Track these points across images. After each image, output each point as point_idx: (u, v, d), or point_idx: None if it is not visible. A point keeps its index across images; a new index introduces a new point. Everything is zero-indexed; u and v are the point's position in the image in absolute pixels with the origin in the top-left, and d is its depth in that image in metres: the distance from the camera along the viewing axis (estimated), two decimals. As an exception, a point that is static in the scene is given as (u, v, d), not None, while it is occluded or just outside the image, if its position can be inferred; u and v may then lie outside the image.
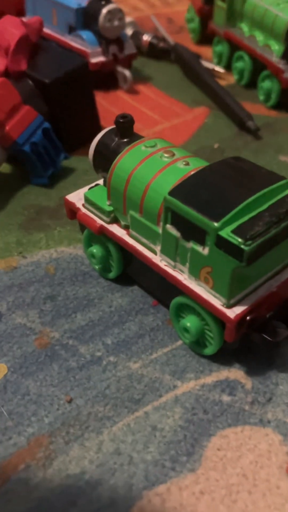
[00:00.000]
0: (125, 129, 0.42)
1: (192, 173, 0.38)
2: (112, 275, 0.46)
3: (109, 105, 0.73)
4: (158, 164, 0.40)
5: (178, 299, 0.40)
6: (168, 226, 0.38)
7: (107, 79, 0.76)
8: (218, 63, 0.84)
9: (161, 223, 0.38)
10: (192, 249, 0.37)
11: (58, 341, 0.41)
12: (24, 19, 0.75)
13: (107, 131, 0.44)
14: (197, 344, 0.40)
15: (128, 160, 0.41)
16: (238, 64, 0.79)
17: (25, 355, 0.40)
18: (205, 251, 0.36)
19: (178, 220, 0.37)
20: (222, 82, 0.79)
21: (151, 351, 0.41)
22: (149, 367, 0.40)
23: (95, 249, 0.45)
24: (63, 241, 0.51)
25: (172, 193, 0.37)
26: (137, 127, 0.68)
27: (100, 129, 0.65)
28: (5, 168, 0.60)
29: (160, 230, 0.39)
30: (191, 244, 0.37)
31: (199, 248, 0.36)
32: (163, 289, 0.42)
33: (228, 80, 0.80)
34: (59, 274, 0.47)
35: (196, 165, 0.40)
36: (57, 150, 0.58)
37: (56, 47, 0.62)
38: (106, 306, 0.44)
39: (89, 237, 0.46)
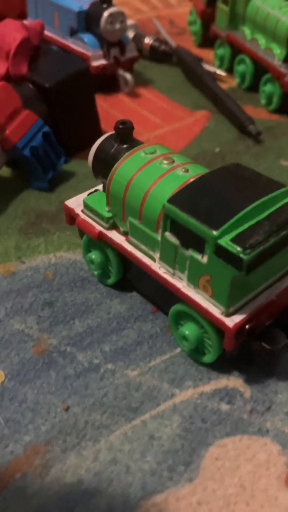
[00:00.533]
0: (125, 135, 0.42)
1: (191, 180, 0.38)
2: (111, 281, 0.46)
3: (110, 108, 0.73)
4: (157, 171, 0.40)
5: (177, 307, 0.40)
6: (167, 233, 0.38)
7: (108, 82, 0.76)
8: (220, 66, 0.84)
9: (160, 230, 0.38)
10: (191, 257, 0.36)
11: (55, 348, 0.41)
12: (25, 21, 0.75)
13: (106, 136, 0.43)
14: (196, 351, 0.40)
15: (127, 167, 0.40)
16: (240, 68, 0.78)
17: (23, 362, 0.40)
18: (204, 259, 0.36)
19: (177, 227, 0.37)
20: (224, 86, 0.79)
21: (149, 359, 0.41)
22: (147, 375, 0.40)
23: (94, 255, 0.45)
24: (62, 246, 0.50)
25: (171, 200, 0.36)
26: (137, 131, 0.68)
27: (100, 132, 0.65)
28: (5, 171, 0.59)
29: (159, 237, 0.39)
30: (190, 252, 0.36)
31: (198, 256, 0.36)
32: (162, 296, 0.42)
33: (229, 83, 0.80)
34: (58, 280, 0.47)
35: (195, 172, 0.39)
36: (58, 154, 0.58)
37: (57, 50, 0.62)
38: (105, 312, 0.44)
39: (88, 243, 0.46)
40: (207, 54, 0.88)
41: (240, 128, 0.68)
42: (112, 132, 0.43)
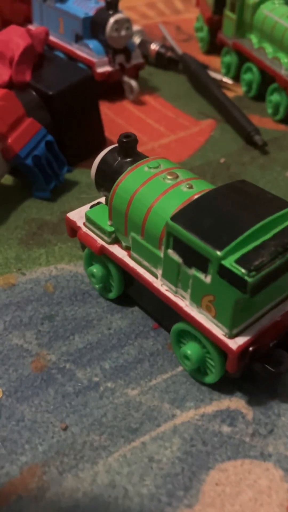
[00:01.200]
0: (128, 148, 0.41)
1: (195, 196, 0.37)
2: (112, 295, 0.45)
3: (114, 116, 0.72)
4: (161, 186, 0.39)
5: (179, 325, 0.39)
6: (170, 251, 0.37)
7: (113, 89, 0.75)
8: (226, 74, 0.83)
9: (163, 247, 0.37)
10: (194, 276, 0.36)
11: (54, 365, 0.40)
12: (31, 27, 0.74)
13: (110, 150, 0.43)
14: (198, 371, 0.39)
15: (130, 181, 0.40)
16: (247, 76, 0.77)
17: (21, 379, 0.39)
18: (208, 279, 0.35)
19: (180, 245, 0.36)
20: (230, 94, 0.78)
21: (150, 377, 0.40)
22: (147, 394, 0.39)
23: (96, 269, 0.44)
24: (64, 258, 0.50)
25: (174, 218, 0.36)
26: (142, 140, 0.67)
27: (104, 141, 0.64)
28: (7, 180, 0.59)
29: (161, 254, 0.38)
30: (193, 271, 0.36)
31: (201, 276, 0.35)
32: (164, 312, 0.41)
33: (236, 91, 0.79)
34: (58, 293, 0.46)
35: (199, 188, 0.39)
36: (60, 163, 0.57)
37: (61, 58, 0.61)
38: (105, 328, 0.43)
39: (90, 256, 0.45)
40: (214, 61, 0.87)
41: (246, 138, 0.67)
42: (116, 144, 0.43)
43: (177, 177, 0.39)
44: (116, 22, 0.69)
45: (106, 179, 0.42)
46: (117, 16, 0.69)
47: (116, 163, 0.42)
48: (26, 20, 0.82)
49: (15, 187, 0.58)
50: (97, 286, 0.45)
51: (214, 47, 0.88)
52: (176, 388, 0.39)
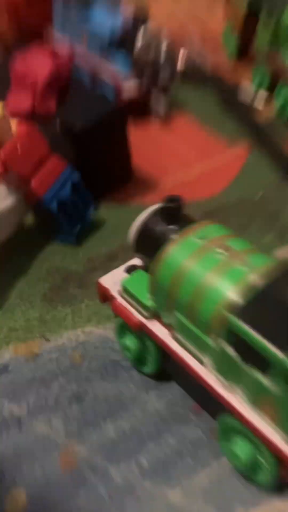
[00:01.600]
0: (174, 213, 0.36)
1: (251, 277, 0.32)
2: (147, 370, 0.40)
3: (140, 141, 0.66)
4: (211, 262, 0.34)
5: (228, 420, 0.34)
6: (224, 343, 0.32)
7: (140, 107, 0.69)
8: (259, 86, 0.77)
9: (214, 335, 0.33)
10: (252, 375, 0.31)
11: (85, 460, 0.36)
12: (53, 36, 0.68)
13: (152, 212, 0.37)
14: (249, 469, 0.34)
15: (176, 254, 0.35)
16: (280, 99, 0.72)
17: (48, 479, 0.35)
18: (269, 380, 0.30)
19: (238, 341, 0.31)
20: (262, 116, 0.72)
21: (192, 475, 0.35)
22: (190, 496, 0.34)
23: (130, 341, 0.39)
24: (92, 319, 0.45)
25: (235, 312, 0.31)
26: (170, 168, 0.62)
27: (132, 173, 0.59)
28: (27, 221, 0.53)
29: (212, 342, 0.33)
30: (251, 369, 0.31)
31: (261, 376, 0.30)
32: (208, 397, 0.36)
33: (268, 112, 0.73)
34: (87, 364, 0.41)
35: (255, 264, 0.33)
36: (86, 203, 0.52)
37: (87, 87, 0.56)
38: (140, 410, 0.39)
39: (123, 325, 0.40)
40: (243, 71, 0.80)
41: (284, 169, 0.61)
42: (159, 205, 0.37)
43: (228, 249, 0.34)
44: (146, 41, 0.63)
45: (147, 245, 0.37)
46: (146, 32, 0.64)
47: (160, 230, 0.37)
48: (46, 19, 0.75)
49: (35, 230, 0.53)
50: (130, 358, 0.40)
51: (244, 56, 0.82)
52: (222, 487, 0.35)
